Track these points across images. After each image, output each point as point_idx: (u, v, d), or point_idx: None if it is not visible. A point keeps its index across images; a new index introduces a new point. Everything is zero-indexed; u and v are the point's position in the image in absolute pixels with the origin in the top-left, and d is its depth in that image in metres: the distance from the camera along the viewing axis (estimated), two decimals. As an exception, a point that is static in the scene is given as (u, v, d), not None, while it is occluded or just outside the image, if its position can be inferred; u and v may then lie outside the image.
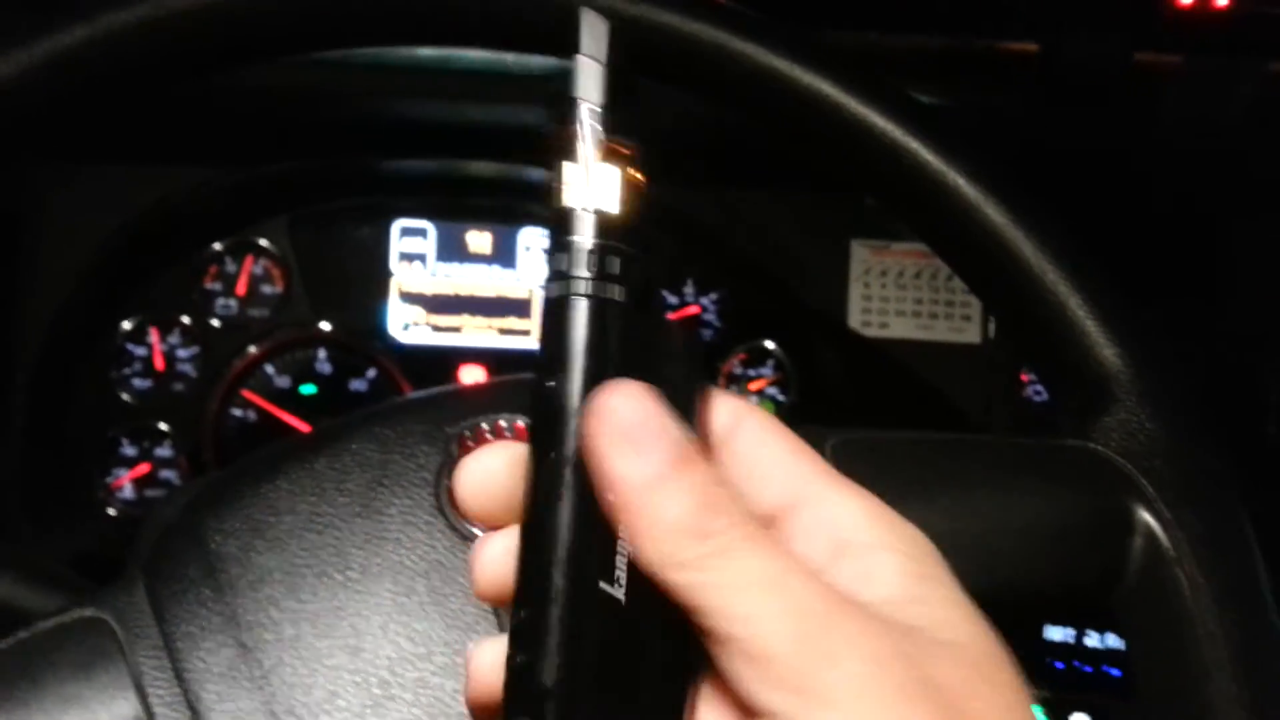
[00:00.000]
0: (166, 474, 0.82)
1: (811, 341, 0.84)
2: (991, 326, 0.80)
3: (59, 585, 0.41)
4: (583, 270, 0.24)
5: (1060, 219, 0.40)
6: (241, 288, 0.82)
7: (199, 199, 0.81)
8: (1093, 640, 0.73)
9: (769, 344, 0.84)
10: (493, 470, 0.25)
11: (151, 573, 0.34)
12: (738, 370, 0.85)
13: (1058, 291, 0.39)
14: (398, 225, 0.84)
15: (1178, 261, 0.77)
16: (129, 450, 0.81)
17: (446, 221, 0.84)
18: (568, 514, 0.22)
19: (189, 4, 0.36)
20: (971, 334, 0.81)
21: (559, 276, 0.24)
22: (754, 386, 0.84)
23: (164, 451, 0.81)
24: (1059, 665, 0.73)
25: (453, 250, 0.85)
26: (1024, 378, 0.78)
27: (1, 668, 0.31)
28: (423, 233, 0.84)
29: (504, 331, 0.85)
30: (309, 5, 0.38)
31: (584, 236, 0.24)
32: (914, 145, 0.39)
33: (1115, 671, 0.72)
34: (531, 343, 0.85)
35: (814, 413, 0.83)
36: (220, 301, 0.82)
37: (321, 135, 0.81)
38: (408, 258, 0.84)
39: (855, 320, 0.82)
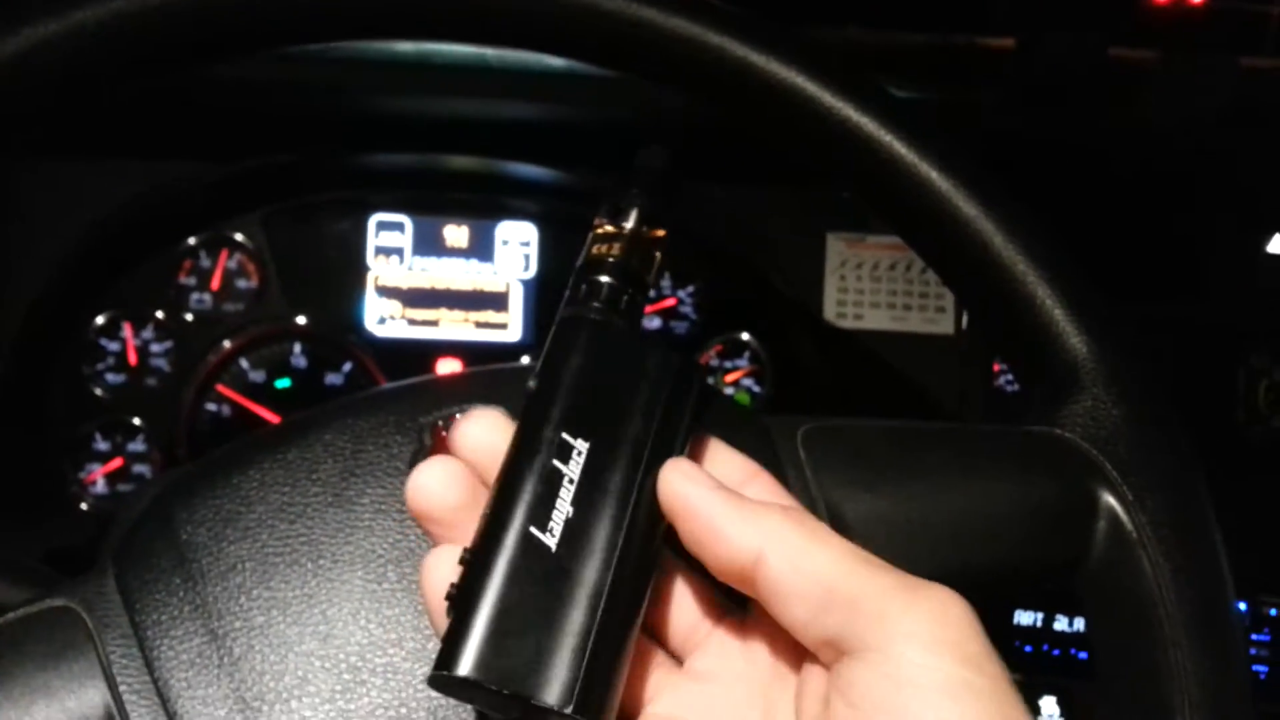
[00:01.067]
0: (140, 469, 0.81)
1: (788, 333, 0.84)
2: (965, 318, 0.81)
3: (29, 578, 0.40)
4: (596, 300, 0.30)
5: (1030, 211, 0.41)
6: (216, 282, 0.82)
7: (174, 194, 0.80)
8: (1061, 624, 0.74)
9: (745, 336, 0.85)
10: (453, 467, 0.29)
11: (121, 562, 0.34)
12: (714, 362, 0.85)
13: (1026, 281, 0.39)
14: (374, 219, 0.84)
15: (1150, 256, 0.78)
16: (102, 445, 0.81)
17: (424, 216, 0.84)
18: (522, 479, 0.27)
19: None
20: (945, 325, 0.82)
21: (574, 301, 0.30)
22: (730, 378, 0.85)
23: (137, 446, 0.81)
24: (1028, 649, 0.74)
25: (430, 244, 0.84)
26: (996, 368, 0.79)
27: None
28: (400, 227, 0.84)
29: (481, 325, 0.85)
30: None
31: (601, 276, 0.30)
32: (887, 138, 0.40)
33: (1082, 654, 0.73)
34: (508, 335, 0.85)
35: (790, 404, 0.83)
36: (194, 296, 0.82)
37: (298, 129, 0.81)
38: (384, 252, 0.84)
39: (831, 312, 0.83)
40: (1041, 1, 0.74)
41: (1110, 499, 0.36)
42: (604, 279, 0.30)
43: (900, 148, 0.40)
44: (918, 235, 0.43)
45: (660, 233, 0.32)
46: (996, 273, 0.40)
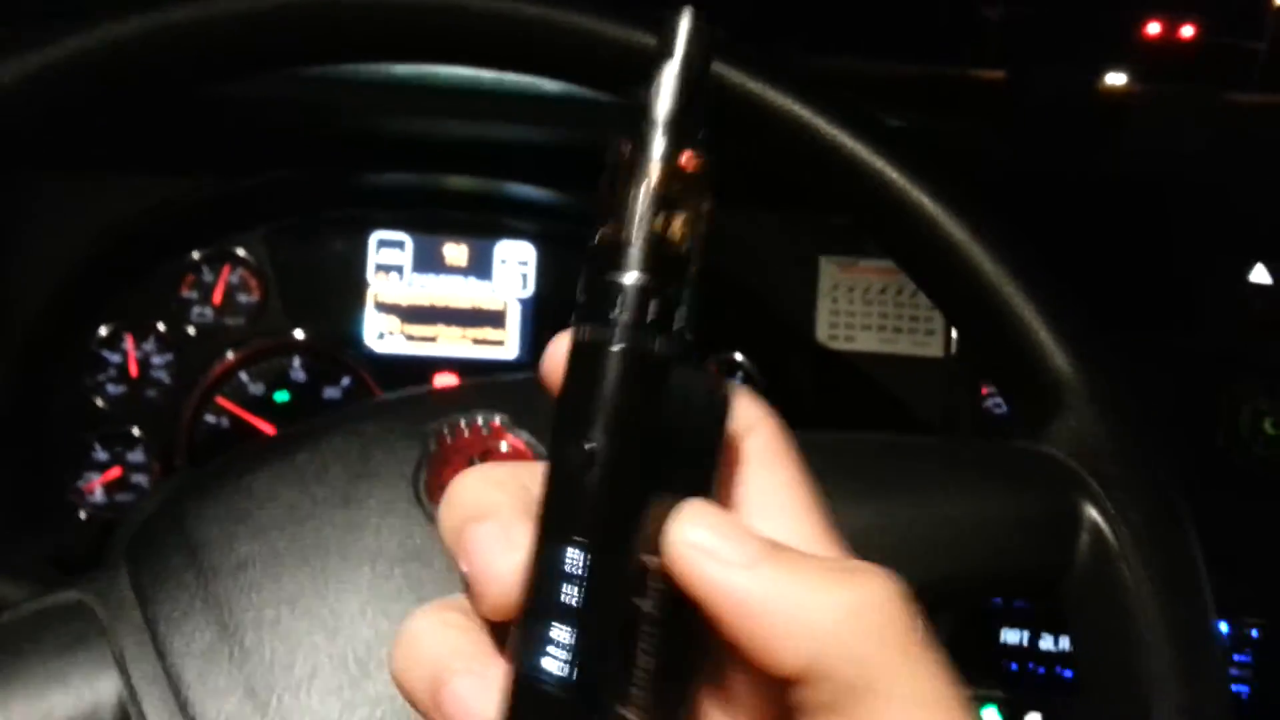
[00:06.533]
0: (138, 478, 0.82)
1: (781, 354, 0.85)
2: (953, 341, 0.82)
3: (39, 580, 0.41)
4: (628, 316, 0.20)
5: (1019, 233, 0.42)
6: (218, 296, 0.83)
7: (178, 209, 0.81)
8: (1047, 643, 0.75)
9: (739, 357, 0.86)
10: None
11: (133, 559, 0.35)
12: (708, 383, 0.86)
13: (1014, 302, 0.41)
14: (375, 237, 0.85)
15: (1135, 285, 0.79)
16: (101, 455, 0.81)
17: (423, 234, 0.85)
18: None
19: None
20: (934, 348, 0.83)
21: (594, 318, 0.21)
22: (724, 398, 0.86)
23: (136, 456, 0.82)
24: (1014, 666, 0.75)
25: (429, 262, 0.86)
26: (985, 390, 0.80)
27: None
28: (400, 244, 0.85)
29: (478, 341, 0.86)
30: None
31: (633, 274, 0.21)
32: (880, 164, 0.41)
33: (1067, 673, 0.74)
34: (505, 353, 0.86)
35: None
36: (196, 310, 0.83)
37: (301, 148, 0.82)
38: (384, 269, 0.85)
39: (823, 334, 0.84)
40: (1033, 34, 0.76)
41: (1093, 512, 0.37)
42: (622, 279, 0.20)
43: (892, 173, 0.41)
44: (909, 258, 0.44)
45: (696, 162, 0.21)
46: (984, 293, 0.41)
